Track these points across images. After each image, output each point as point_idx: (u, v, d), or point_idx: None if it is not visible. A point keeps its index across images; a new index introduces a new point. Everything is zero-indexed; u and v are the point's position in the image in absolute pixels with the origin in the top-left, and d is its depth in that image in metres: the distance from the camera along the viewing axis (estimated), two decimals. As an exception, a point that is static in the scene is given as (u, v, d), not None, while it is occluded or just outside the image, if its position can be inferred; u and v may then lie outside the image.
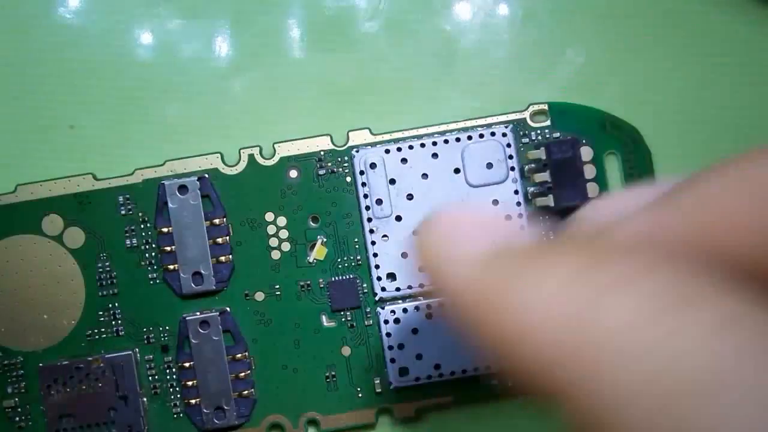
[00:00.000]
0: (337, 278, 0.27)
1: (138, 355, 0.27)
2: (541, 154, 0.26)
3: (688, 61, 0.28)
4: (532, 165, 0.27)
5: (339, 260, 0.27)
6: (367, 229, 0.27)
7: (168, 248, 0.27)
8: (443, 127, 0.27)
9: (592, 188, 0.27)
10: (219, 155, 0.27)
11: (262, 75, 0.28)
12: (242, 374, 0.27)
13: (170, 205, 0.27)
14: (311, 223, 0.27)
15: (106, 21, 0.28)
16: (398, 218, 0.27)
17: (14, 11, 0.29)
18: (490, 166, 0.27)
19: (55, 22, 0.28)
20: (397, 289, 0.27)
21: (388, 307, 0.27)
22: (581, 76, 0.28)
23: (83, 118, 0.28)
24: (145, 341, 0.27)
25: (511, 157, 0.27)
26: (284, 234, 0.27)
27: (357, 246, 0.27)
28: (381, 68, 0.28)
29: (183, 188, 0.27)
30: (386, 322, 0.27)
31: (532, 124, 0.28)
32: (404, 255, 0.27)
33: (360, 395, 0.27)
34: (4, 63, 0.28)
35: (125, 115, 0.28)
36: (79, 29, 0.28)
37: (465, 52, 0.28)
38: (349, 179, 0.27)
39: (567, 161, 0.26)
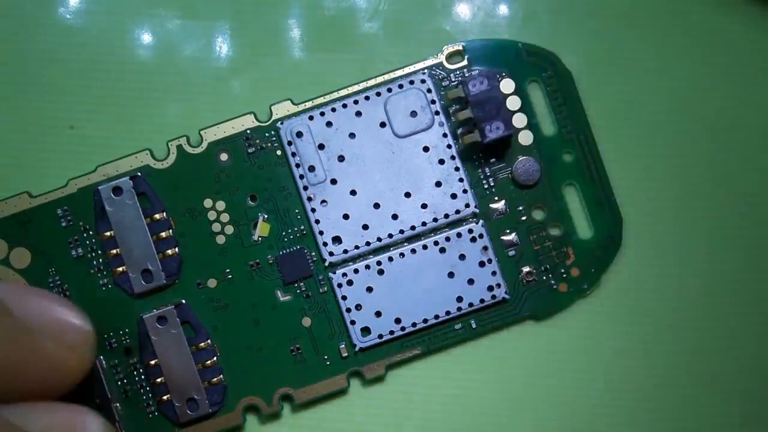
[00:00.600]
0: (284, 252, 0.27)
1: (103, 362, 0.27)
2: (460, 92, 0.26)
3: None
4: (455, 105, 0.27)
5: (283, 233, 0.27)
6: (305, 198, 0.27)
7: (113, 251, 0.27)
8: (362, 85, 0.27)
9: (519, 119, 0.27)
10: (148, 152, 0.27)
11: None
12: (208, 362, 0.27)
13: (108, 208, 0.27)
14: (250, 201, 0.27)
15: (105, 21, 0.29)
16: (333, 181, 0.27)
17: (15, 11, 0.29)
18: (414, 114, 0.27)
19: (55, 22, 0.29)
20: (345, 251, 0.27)
21: (339, 271, 0.27)
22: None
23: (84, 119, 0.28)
24: (108, 347, 0.27)
25: (433, 102, 0.27)
26: (225, 217, 0.27)
27: (299, 216, 0.27)
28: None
29: (117, 190, 0.27)
30: (340, 285, 0.27)
31: (450, 66, 0.28)
32: (346, 216, 0.27)
33: (328, 363, 0.27)
34: (3, 63, 0.28)
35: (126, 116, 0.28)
36: (78, 30, 0.28)
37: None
38: (279, 152, 0.27)
39: (485, 94, 0.26)
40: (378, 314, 0.27)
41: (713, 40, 0.29)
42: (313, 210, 0.27)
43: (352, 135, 0.27)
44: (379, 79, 0.27)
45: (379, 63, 0.28)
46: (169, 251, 0.27)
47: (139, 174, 0.27)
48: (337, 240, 0.27)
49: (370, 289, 0.27)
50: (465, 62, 0.28)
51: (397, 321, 0.27)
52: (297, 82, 0.28)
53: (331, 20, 0.29)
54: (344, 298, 0.27)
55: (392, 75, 0.27)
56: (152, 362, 0.27)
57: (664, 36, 0.28)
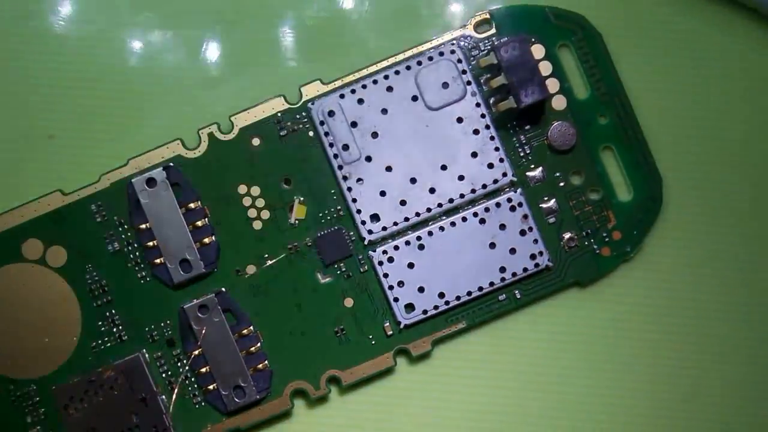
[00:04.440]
0: (322, 233, 0.27)
1: (146, 355, 0.27)
2: (492, 59, 0.26)
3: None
4: (487, 73, 0.27)
5: (320, 215, 0.27)
6: (340, 177, 0.27)
7: (150, 243, 0.27)
8: (392, 60, 0.27)
9: (552, 84, 0.27)
10: (179, 141, 0.27)
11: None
12: (252, 348, 0.26)
13: (142, 200, 0.27)
14: (284, 185, 0.27)
15: (90, 29, 0.28)
16: (368, 159, 0.27)
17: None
18: (446, 85, 0.27)
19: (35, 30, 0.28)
20: (384, 229, 0.27)
21: (379, 249, 0.27)
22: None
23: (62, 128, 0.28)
24: (150, 340, 0.27)
25: (464, 72, 0.27)
26: (261, 202, 0.27)
27: (335, 196, 0.27)
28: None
29: (151, 181, 0.27)
30: (380, 263, 0.27)
31: (478, 35, 0.27)
32: (383, 193, 0.27)
33: (373, 342, 0.27)
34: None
35: (104, 125, 0.28)
36: (61, 38, 0.28)
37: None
38: (311, 133, 0.27)
39: (518, 59, 0.26)
40: (421, 290, 0.27)
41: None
42: (350, 189, 0.27)
43: (384, 111, 0.27)
44: (408, 53, 0.27)
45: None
46: (206, 240, 0.27)
47: (172, 164, 0.27)
48: (375, 218, 0.27)
49: (411, 265, 0.27)
50: (493, 30, 0.27)
51: (441, 295, 0.27)
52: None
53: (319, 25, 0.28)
54: (386, 275, 0.27)
55: (421, 48, 0.27)
56: (196, 352, 0.26)
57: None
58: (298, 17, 0.28)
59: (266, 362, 0.27)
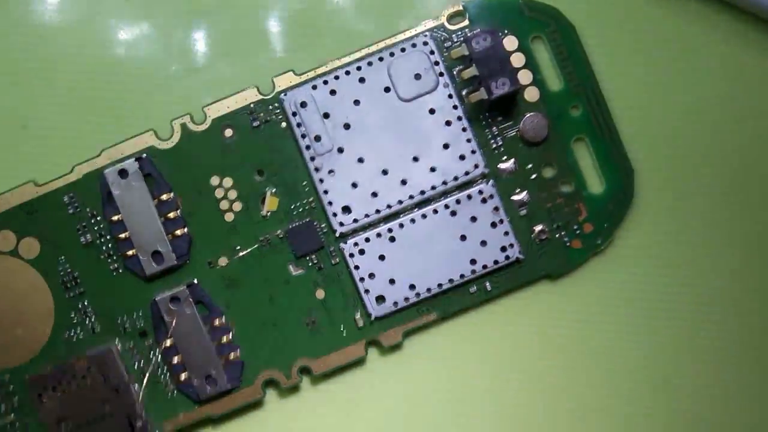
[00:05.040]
0: (294, 225, 0.27)
1: (119, 346, 0.27)
2: (463, 50, 0.26)
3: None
4: (459, 65, 0.27)
5: (292, 207, 0.27)
6: (312, 169, 0.27)
7: (122, 235, 0.27)
8: (364, 51, 0.27)
9: (525, 75, 0.27)
10: (152, 132, 0.27)
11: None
12: (224, 339, 0.27)
13: (114, 192, 0.27)
14: (257, 176, 0.27)
15: (66, 18, 0.28)
16: (340, 150, 0.27)
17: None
18: (418, 77, 0.27)
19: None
20: (355, 221, 0.27)
21: (351, 240, 0.27)
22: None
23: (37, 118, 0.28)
24: (122, 331, 0.27)
25: (437, 63, 0.27)
26: (233, 194, 0.27)
27: (307, 188, 0.27)
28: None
29: (123, 173, 0.27)
30: (351, 255, 0.27)
31: (451, 27, 0.27)
32: (354, 185, 0.27)
33: (345, 334, 0.27)
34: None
35: (81, 114, 0.28)
36: (36, 27, 0.28)
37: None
38: (284, 124, 0.27)
39: (489, 50, 0.26)
40: (392, 282, 0.27)
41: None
42: (321, 180, 0.27)
43: (356, 102, 0.27)
44: (381, 44, 0.27)
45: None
46: (179, 231, 0.27)
47: (144, 155, 0.27)
48: (346, 210, 0.27)
49: (382, 257, 0.27)
50: (466, 22, 0.27)
51: (412, 287, 0.27)
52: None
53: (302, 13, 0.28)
54: (357, 267, 0.27)
55: (394, 39, 0.27)
56: (168, 343, 0.27)
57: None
58: (275, 8, 0.28)
59: (237, 352, 0.27)
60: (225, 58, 0.28)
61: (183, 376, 0.27)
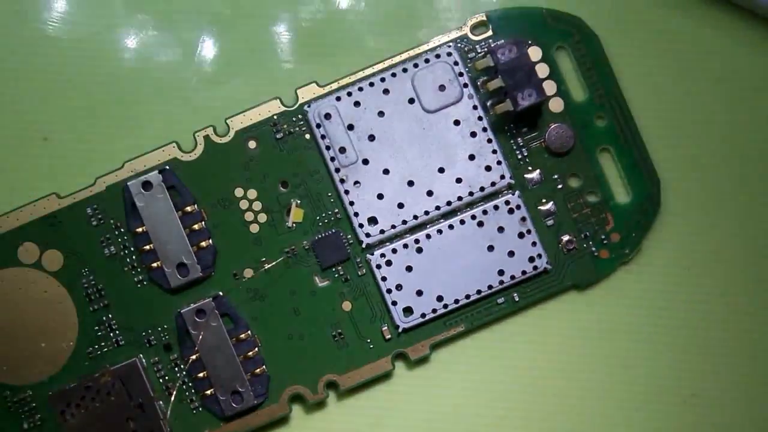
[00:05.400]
0: (320, 236, 0.27)
1: (143, 360, 0.27)
2: (488, 61, 0.26)
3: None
4: (484, 76, 0.27)
5: (318, 218, 0.27)
6: (337, 180, 0.27)
7: (147, 247, 0.26)
8: (388, 62, 0.27)
9: (549, 86, 0.27)
10: (175, 144, 0.27)
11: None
12: (250, 353, 0.26)
13: (138, 204, 0.26)
14: (281, 188, 0.27)
15: (84, 30, 0.28)
16: (365, 161, 0.27)
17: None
18: (442, 88, 0.27)
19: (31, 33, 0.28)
20: (381, 232, 0.27)
21: (377, 252, 0.27)
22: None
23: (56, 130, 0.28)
24: (147, 344, 0.27)
25: (461, 74, 0.27)
26: (258, 206, 0.27)
27: (332, 199, 0.27)
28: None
29: (147, 185, 0.27)
30: (378, 266, 0.27)
31: (475, 38, 0.27)
32: (380, 196, 0.27)
33: (371, 346, 0.27)
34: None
35: (99, 127, 0.28)
36: (54, 39, 0.28)
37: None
38: (308, 136, 0.27)
39: (514, 61, 0.26)
40: (419, 293, 0.26)
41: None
42: (347, 192, 0.27)
43: (381, 113, 0.27)
44: (404, 55, 0.27)
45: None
46: (203, 243, 0.27)
47: (168, 167, 0.27)
48: (372, 221, 0.27)
49: (409, 268, 0.27)
50: (490, 32, 0.27)
51: (439, 299, 0.26)
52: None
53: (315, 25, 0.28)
54: (384, 279, 0.27)
55: (417, 51, 0.27)
56: (193, 357, 0.26)
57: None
58: (294, 18, 0.28)
59: (264, 367, 0.26)
60: (247, 69, 0.28)
61: (209, 392, 0.26)
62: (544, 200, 0.27)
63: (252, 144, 0.27)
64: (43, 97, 0.28)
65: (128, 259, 0.27)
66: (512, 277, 0.27)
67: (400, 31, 0.28)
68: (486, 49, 0.27)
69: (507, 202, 0.27)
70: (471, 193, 0.27)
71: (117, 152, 0.27)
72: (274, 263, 0.27)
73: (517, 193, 0.27)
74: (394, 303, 0.26)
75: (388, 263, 0.27)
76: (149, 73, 0.28)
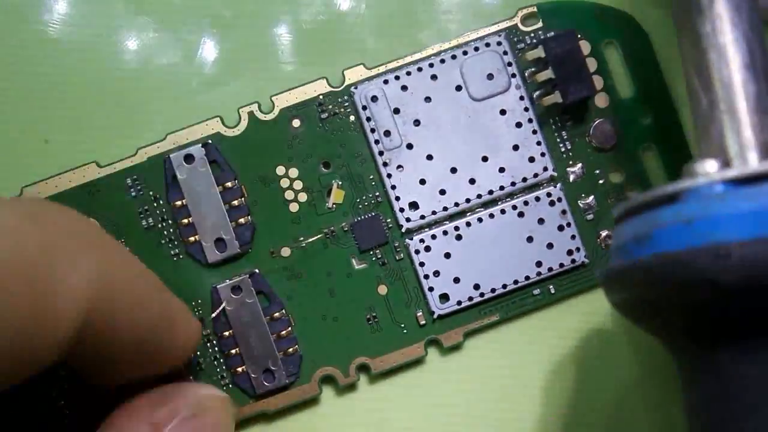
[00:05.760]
0: (359, 218, 0.27)
1: (175, 333, 0.26)
2: (539, 52, 0.26)
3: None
4: (532, 67, 0.27)
5: (358, 200, 0.27)
6: (380, 163, 0.27)
7: (185, 220, 0.26)
8: (437, 48, 0.27)
9: (596, 80, 0.27)
10: (219, 119, 0.27)
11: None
12: (284, 332, 0.26)
13: (179, 176, 0.26)
14: (323, 168, 0.27)
15: (85, 32, 0.28)
16: (409, 146, 0.27)
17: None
18: (490, 77, 0.27)
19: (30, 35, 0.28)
20: (422, 217, 0.27)
21: (416, 237, 0.27)
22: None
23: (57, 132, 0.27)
24: (180, 318, 0.26)
25: (510, 64, 0.27)
26: (298, 185, 0.27)
27: (373, 182, 0.27)
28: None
29: (189, 157, 0.26)
30: (417, 252, 0.27)
31: (525, 29, 0.27)
32: (422, 182, 0.27)
33: (405, 331, 0.27)
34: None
35: (99, 129, 0.27)
36: (54, 41, 0.28)
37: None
38: (353, 118, 0.27)
39: (567, 54, 0.26)
40: (456, 280, 0.26)
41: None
42: (389, 175, 0.27)
43: (427, 99, 0.27)
44: (453, 42, 0.27)
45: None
46: (242, 219, 0.26)
47: (210, 141, 0.27)
48: (413, 206, 0.27)
49: (448, 255, 0.27)
50: (540, 24, 0.27)
51: (476, 287, 0.26)
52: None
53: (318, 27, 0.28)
54: (422, 264, 0.26)
55: (466, 38, 0.27)
56: (226, 333, 0.26)
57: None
58: (295, 20, 0.28)
59: (297, 346, 0.26)
60: (245, 71, 0.28)
61: (240, 369, 0.26)
62: (584, 194, 0.27)
63: (296, 122, 0.27)
64: (43, 99, 0.28)
65: (165, 232, 0.27)
66: (550, 269, 0.27)
67: (401, 33, 0.28)
68: (536, 41, 0.27)
69: (548, 194, 0.27)
70: (513, 183, 0.27)
71: (117, 154, 0.27)
72: (311, 239, 0.27)
73: (558, 185, 0.27)
74: (431, 289, 0.26)
75: (427, 249, 0.26)
76: (150, 74, 0.28)
